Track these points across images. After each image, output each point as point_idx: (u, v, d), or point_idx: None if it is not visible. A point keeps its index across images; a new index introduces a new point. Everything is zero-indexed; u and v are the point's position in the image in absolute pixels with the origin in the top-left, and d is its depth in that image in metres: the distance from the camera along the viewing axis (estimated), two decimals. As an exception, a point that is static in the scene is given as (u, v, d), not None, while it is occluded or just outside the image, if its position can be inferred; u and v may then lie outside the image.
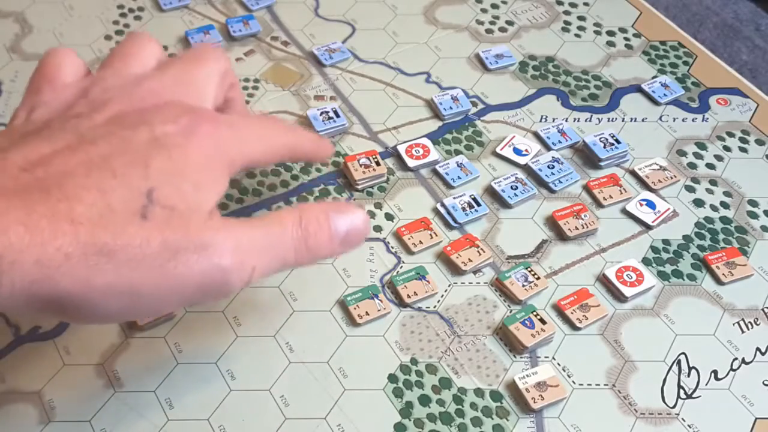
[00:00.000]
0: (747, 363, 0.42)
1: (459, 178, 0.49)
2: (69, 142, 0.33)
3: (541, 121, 0.53)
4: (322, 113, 0.52)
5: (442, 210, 0.48)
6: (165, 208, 0.32)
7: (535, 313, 0.43)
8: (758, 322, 0.44)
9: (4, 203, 0.30)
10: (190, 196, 0.33)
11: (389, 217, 0.48)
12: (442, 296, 0.44)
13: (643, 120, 0.54)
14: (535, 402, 0.40)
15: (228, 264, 0.33)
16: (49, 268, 0.30)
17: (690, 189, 0.50)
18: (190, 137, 0.34)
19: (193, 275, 0.32)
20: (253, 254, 0.34)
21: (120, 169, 0.32)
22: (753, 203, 0.49)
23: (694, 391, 0.41)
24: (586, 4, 0.62)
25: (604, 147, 0.51)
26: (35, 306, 0.31)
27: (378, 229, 0.47)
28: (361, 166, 0.49)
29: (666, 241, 0.47)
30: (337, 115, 0.52)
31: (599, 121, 0.54)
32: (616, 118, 0.54)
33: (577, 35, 0.60)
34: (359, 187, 0.49)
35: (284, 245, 0.35)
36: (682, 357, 0.42)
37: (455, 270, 0.45)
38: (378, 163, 0.50)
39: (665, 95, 0.55)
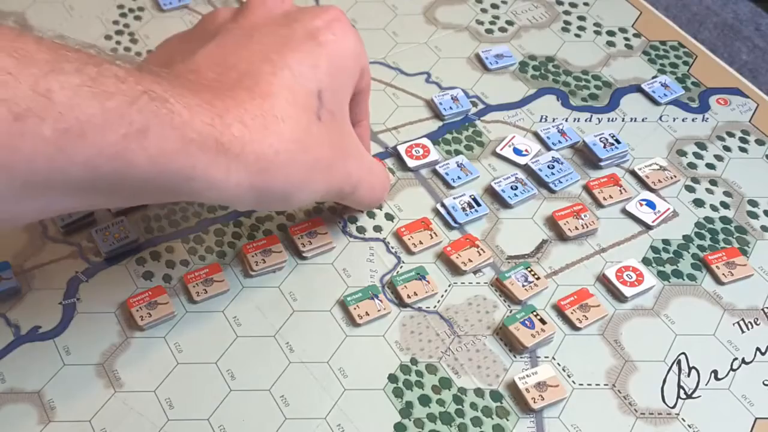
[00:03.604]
0: (747, 363, 0.42)
1: (459, 178, 0.49)
2: (239, 40, 0.37)
3: (541, 121, 0.53)
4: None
5: (442, 210, 0.48)
6: (329, 112, 0.37)
7: (535, 313, 0.43)
8: (758, 322, 0.44)
9: (220, 102, 0.33)
10: (342, 101, 0.39)
11: (389, 217, 0.48)
12: (442, 296, 0.44)
13: (643, 120, 0.54)
14: (535, 402, 0.40)
15: (357, 177, 0.41)
16: (265, 161, 0.34)
17: (690, 189, 0.50)
18: (336, 32, 0.38)
19: (338, 177, 0.39)
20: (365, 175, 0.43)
21: (295, 66, 0.36)
22: (753, 203, 0.49)
23: (694, 391, 0.41)
24: (586, 4, 0.62)
25: (604, 147, 0.51)
26: (255, 197, 0.35)
27: (378, 229, 0.47)
28: (361, 166, 0.49)
29: (666, 241, 0.47)
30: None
31: (599, 121, 0.54)
32: (616, 118, 0.54)
33: (577, 35, 0.59)
34: (359, 187, 0.49)
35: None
36: (682, 357, 0.42)
37: (455, 270, 0.45)
38: (378, 163, 0.50)
39: (665, 95, 0.55)
